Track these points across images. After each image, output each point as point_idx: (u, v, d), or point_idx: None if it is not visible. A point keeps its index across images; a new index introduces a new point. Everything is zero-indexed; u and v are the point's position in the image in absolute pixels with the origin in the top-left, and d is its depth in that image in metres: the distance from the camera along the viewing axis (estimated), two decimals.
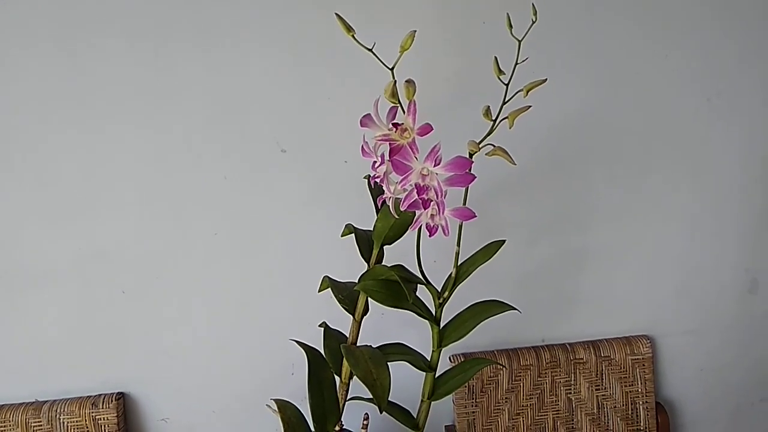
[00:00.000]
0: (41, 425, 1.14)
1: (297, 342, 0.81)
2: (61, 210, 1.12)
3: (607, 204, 1.24)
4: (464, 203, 0.73)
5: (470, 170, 0.64)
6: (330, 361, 0.87)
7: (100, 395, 1.17)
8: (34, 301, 1.15)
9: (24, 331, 1.16)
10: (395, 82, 0.68)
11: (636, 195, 1.25)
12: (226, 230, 1.16)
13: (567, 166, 1.22)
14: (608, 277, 1.28)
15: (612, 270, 1.28)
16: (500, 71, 0.72)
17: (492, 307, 0.87)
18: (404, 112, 0.63)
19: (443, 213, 0.67)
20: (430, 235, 0.71)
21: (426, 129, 0.61)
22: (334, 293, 0.91)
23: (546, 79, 0.73)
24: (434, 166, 0.63)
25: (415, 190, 0.63)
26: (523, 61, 0.73)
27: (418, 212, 0.70)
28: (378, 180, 0.69)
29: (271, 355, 1.20)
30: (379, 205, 0.78)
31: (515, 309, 0.87)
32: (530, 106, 0.74)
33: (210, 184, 1.14)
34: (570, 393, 1.24)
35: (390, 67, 0.70)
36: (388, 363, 0.82)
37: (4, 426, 1.14)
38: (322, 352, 0.82)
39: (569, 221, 1.25)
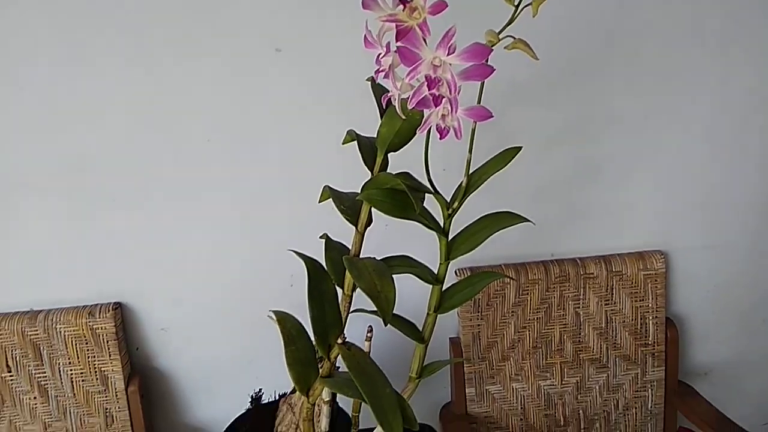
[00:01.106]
0: (38, 334, 1.12)
1: (296, 252, 0.76)
2: (43, 115, 1.05)
3: (626, 111, 1.16)
4: (479, 102, 0.65)
5: (488, 61, 0.56)
6: (332, 274, 0.82)
7: (96, 305, 1.15)
8: (21, 210, 1.10)
9: (13, 240, 1.12)
10: None
11: (657, 102, 1.16)
12: (220, 137, 1.09)
13: (585, 69, 1.12)
14: (624, 189, 1.22)
15: (628, 182, 1.21)
16: None
17: (504, 219, 0.81)
18: None
19: (456, 112, 0.59)
20: (440, 138, 0.63)
21: (439, 6, 0.53)
22: (335, 203, 0.85)
23: None
24: (448, 54, 0.54)
25: (425, 84, 0.56)
26: None
27: (427, 112, 0.62)
28: (383, 73, 0.61)
29: (270, 266, 1.16)
30: (384, 106, 0.70)
31: (529, 221, 0.81)
32: None
33: (201, 88, 1.06)
34: (578, 308, 1.21)
35: None
36: (393, 276, 0.77)
37: (0, 334, 1.12)
38: (323, 264, 0.77)
39: (585, 129, 1.17)
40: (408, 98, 0.60)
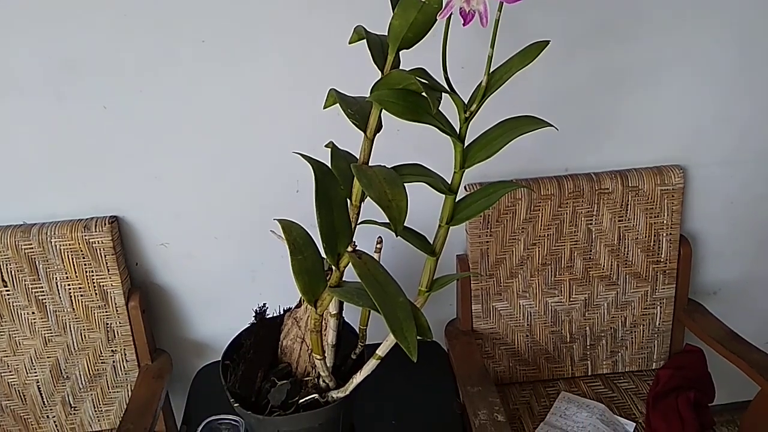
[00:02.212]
0: (32, 248, 1.09)
1: (302, 155, 0.71)
2: (22, 15, 0.96)
3: (654, 12, 1.07)
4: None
5: None
6: (341, 181, 0.77)
7: (92, 218, 1.10)
8: (8, 116, 1.04)
9: (0, 149, 1.06)
10: None
11: (689, 3, 1.07)
12: (215, 38, 1.01)
13: None
14: (645, 99, 1.15)
15: (650, 91, 1.14)
16: None
17: (525, 124, 0.75)
18: None
19: None
20: (464, 24, 0.57)
21: None
22: (342, 108, 0.78)
23: None
24: None
25: None
26: None
27: None
28: None
29: (273, 175, 1.11)
30: None
31: (552, 125, 0.75)
32: None
33: None
34: (591, 224, 1.17)
35: None
36: (405, 184, 0.73)
37: None
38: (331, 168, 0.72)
39: (610, 31, 1.08)
40: None
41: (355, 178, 0.75)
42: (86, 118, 1.05)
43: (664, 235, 1.19)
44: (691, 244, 1.22)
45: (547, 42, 0.70)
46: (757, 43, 1.12)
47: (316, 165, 0.69)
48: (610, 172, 1.17)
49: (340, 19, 0.92)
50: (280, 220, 0.69)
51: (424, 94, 0.67)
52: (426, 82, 0.68)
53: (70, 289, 1.12)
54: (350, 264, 0.69)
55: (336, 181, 0.69)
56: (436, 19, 0.64)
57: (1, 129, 1.05)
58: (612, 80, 1.13)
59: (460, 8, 0.55)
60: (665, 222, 1.18)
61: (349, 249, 0.69)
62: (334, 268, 0.70)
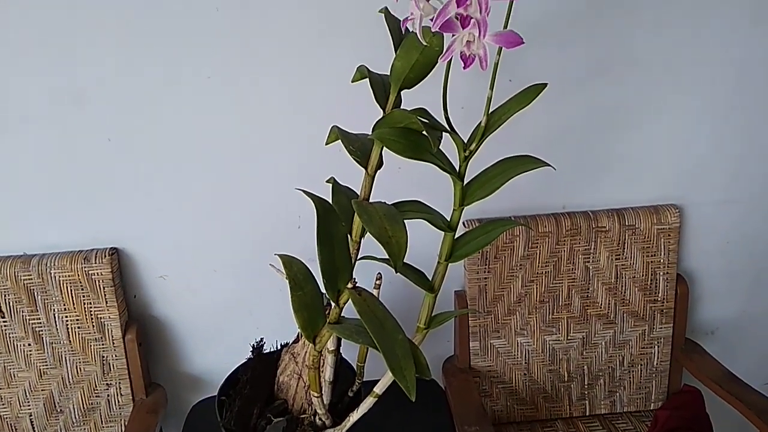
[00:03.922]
0: (31, 279, 1.09)
1: (304, 192, 0.72)
2: (31, 47, 0.99)
3: (650, 53, 1.10)
4: (505, 26, 0.60)
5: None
6: (341, 218, 0.78)
7: (92, 250, 1.11)
8: (13, 146, 1.05)
9: (3, 179, 1.07)
10: None
11: (683, 44, 1.10)
12: (221, 73, 1.03)
13: (610, 7, 1.06)
14: (641, 138, 1.17)
15: (646, 130, 1.16)
16: None
17: (523, 163, 0.77)
18: None
19: (484, 37, 0.54)
20: (464, 68, 0.58)
21: None
22: (344, 144, 0.80)
23: None
24: None
25: (454, 1, 0.50)
26: None
27: (451, 37, 0.57)
28: None
29: (274, 210, 1.12)
30: (403, 32, 0.64)
31: (549, 165, 0.77)
32: None
33: (200, 18, 0.99)
34: (588, 262, 1.18)
35: None
36: (405, 221, 0.73)
37: None
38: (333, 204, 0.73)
39: (606, 72, 1.11)
40: (430, 26, 0.55)
41: (355, 214, 0.76)
42: (90, 150, 1.06)
43: (661, 273, 1.19)
44: (688, 283, 1.22)
45: (545, 85, 0.71)
46: (749, 82, 1.15)
47: (318, 201, 0.70)
48: (607, 210, 1.18)
49: (343, 58, 0.95)
50: (281, 255, 0.70)
51: (424, 133, 0.68)
52: (427, 121, 0.70)
53: (67, 321, 1.11)
54: (350, 300, 0.70)
55: (337, 217, 0.70)
56: (438, 62, 0.65)
57: (5, 159, 1.06)
58: (608, 119, 1.15)
59: (461, 52, 0.57)
60: (662, 261, 1.19)
61: (349, 285, 0.70)
62: (333, 304, 0.70)
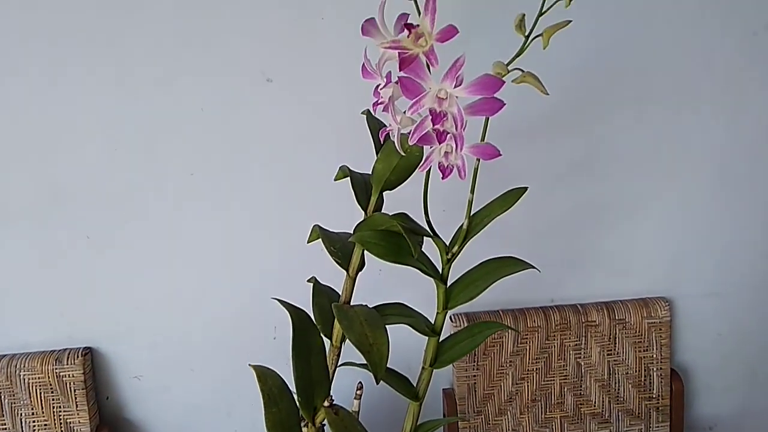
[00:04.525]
0: (0, 381, 1.04)
1: (280, 301, 0.70)
2: (14, 142, 0.99)
3: (632, 149, 1.11)
4: (483, 138, 0.60)
5: (493, 95, 0.51)
6: (319, 322, 0.75)
7: (65, 350, 1.06)
8: None
9: None
10: None
11: (665, 138, 1.12)
12: (204, 170, 1.03)
13: (591, 105, 1.08)
14: (627, 232, 1.16)
15: (632, 224, 1.16)
16: None
17: (507, 265, 0.75)
18: (418, 12, 0.49)
19: (461, 150, 0.54)
20: (443, 178, 0.58)
21: (449, 32, 0.48)
22: (325, 245, 0.79)
23: None
24: (455, 86, 0.49)
25: (429, 118, 0.50)
26: None
27: (428, 148, 0.57)
28: (381, 106, 0.55)
29: (254, 311, 1.08)
30: (382, 140, 0.65)
31: (534, 267, 0.75)
32: (570, 21, 0.60)
33: (184, 117, 1.00)
34: (580, 357, 1.14)
35: None
36: (387, 326, 0.71)
37: None
38: (311, 311, 0.70)
39: (589, 169, 1.12)
40: (408, 133, 0.55)
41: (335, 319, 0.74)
42: (69, 247, 1.04)
43: (655, 369, 1.16)
44: (683, 379, 1.18)
45: (526, 188, 0.71)
46: (731, 172, 1.16)
47: (294, 312, 0.68)
48: (597, 303, 1.16)
49: (326, 157, 0.95)
50: (255, 367, 0.67)
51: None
52: (407, 226, 0.69)
53: (34, 426, 1.05)
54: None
55: (314, 328, 0.67)
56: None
57: None
58: (593, 214, 1.15)
59: (439, 162, 0.57)
60: (655, 356, 1.15)
61: (326, 404, 0.66)
62: (309, 423, 0.66)
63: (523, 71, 0.62)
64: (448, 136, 0.52)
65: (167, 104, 0.99)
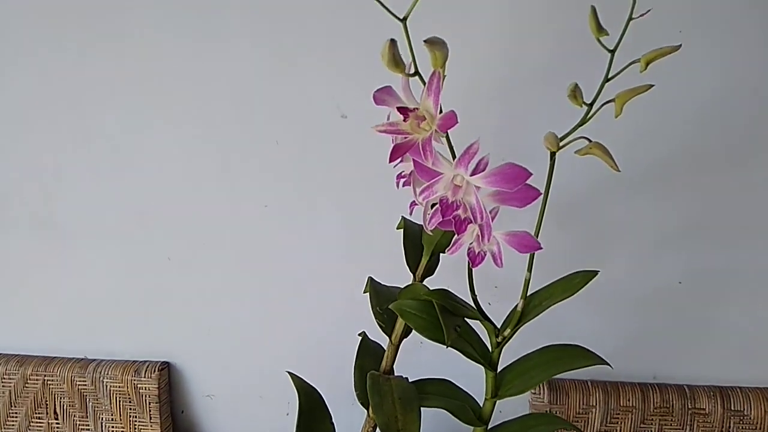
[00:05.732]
0: (86, 385, 1.10)
1: (291, 375, 0.65)
2: (111, 171, 1.04)
3: (765, 215, 0.93)
4: (538, 226, 0.50)
5: (526, 183, 0.41)
6: (358, 387, 0.70)
7: (145, 362, 1.10)
8: (81, 257, 1.09)
9: (71, 286, 1.11)
10: (407, 38, 0.45)
11: None
12: (278, 203, 1.02)
13: (712, 158, 0.91)
14: (752, 308, 0.97)
15: (758, 299, 0.97)
16: (600, 29, 0.47)
17: (571, 357, 0.64)
18: (415, 65, 0.40)
19: (487, 240, 0.45)
20: (473, 266, 0.49)
21: (449, 121, 0.39)
22: (371, 303, 0.73)
23: (679, 46, 0.47)
24: (471, 174, 0.41)
25: (440, 208, 0.42)
26: (642, 15, 0.47)
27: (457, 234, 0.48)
28: (403, 180, 0.48)
29: (320, 342, 1.05)
30: (409, 212, 0.57)
31: (607, 364, 0.63)
32: (652, 85, 0.48)
33: (261, 149, 0.99)
34: None
35: (401, 17, 0.47)
36: (422, 407, 0.63)
37: (52, 380, 1.11)
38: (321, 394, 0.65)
39: (708, 232, 0.95)
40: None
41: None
42: (151, 267, 1.08)
43: None
44: None
45: (596, 272, 0.60)
46: None
47: (304, 391, 0.62)
48: (708, 387, 0.98)
49: (394, 199, 0.89)
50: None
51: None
52: (446, 306, 0.61)
53: (113, 431, 1.11)
54: None
55: (325, 412, 0.61)
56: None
57: (78, 270, 1.10)
58: (712, 285, 0.97)
59: (469, 248, 0.48)
60: None
61: None
62: None
63: (590, 140, 0.51)
64: (468, 224, 0.44)
65: (244, 138, 0.99)
